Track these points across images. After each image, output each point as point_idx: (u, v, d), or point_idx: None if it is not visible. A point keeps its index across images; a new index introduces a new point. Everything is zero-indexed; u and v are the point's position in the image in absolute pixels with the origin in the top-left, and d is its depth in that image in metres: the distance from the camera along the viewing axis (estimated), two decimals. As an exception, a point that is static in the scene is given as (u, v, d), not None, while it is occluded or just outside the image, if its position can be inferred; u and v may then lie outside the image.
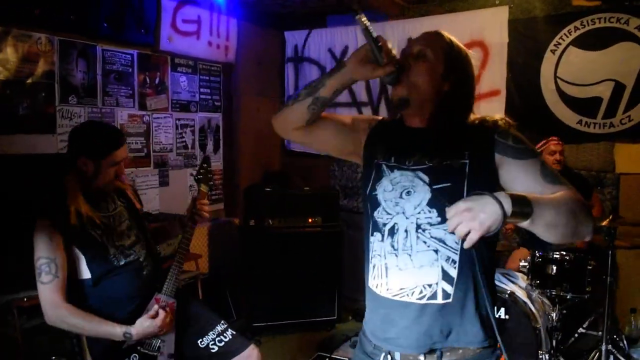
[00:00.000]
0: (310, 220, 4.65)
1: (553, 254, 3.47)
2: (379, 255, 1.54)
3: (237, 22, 4.94)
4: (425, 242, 1.46)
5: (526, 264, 3.54)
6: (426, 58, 1.51)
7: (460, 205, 1.20)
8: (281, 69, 5.51)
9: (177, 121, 4.51)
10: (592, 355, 3.44)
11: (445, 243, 1.45)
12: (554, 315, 3.45)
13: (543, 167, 1.45)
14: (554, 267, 3.43)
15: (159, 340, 2.33)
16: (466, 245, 1.20)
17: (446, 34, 1.58)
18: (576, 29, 4.20)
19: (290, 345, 4.26)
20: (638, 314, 4.07)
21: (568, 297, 3.42)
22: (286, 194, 4.69)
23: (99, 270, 2.25)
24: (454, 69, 1.53)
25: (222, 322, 2.58)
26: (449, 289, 1.44)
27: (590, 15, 4.13)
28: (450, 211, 1.21)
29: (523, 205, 1.24)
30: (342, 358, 3.83)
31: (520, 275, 3.62)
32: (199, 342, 2.49)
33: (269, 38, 5.42)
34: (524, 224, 1.27)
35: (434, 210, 1.46)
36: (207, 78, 4.80)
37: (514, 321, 3.31)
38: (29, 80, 3.36)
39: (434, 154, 1.50)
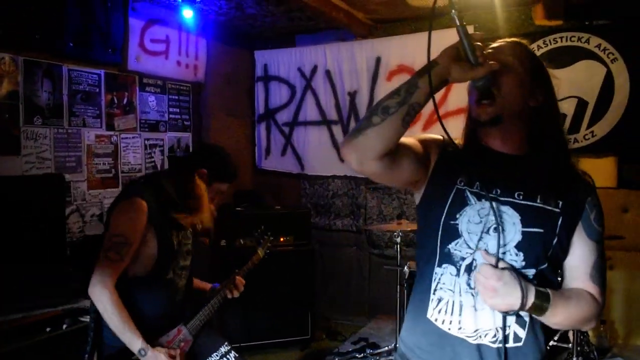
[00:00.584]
0: (282, 239, 4.62)
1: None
2: (450, 290, 1.43)
3: (206, 41, 4.94)
4: None
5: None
6: (514, 68, 1.39)
7: (491, 282, 1.27)
8: (251, 88, 5.52)
9: (145, 141, 4.45)
10: (563, 367, 3.48)
11: None
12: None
13: (599, 259, 1.42)
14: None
15: None
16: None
17: (526, 44, 1.49)
18: (539, 47, 4.32)
19: (265, 367, 4.20)
20: (607, 325, 4.15)
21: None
22: (257, 214, 4.67)
23: (156, 271, 2.28)
24: (539, 83, 1.42)
25: (226, 343, 2.59)
26: (521, 333, 1.39)
27: (553, 35, 4.27)
28: (480, 278, 1.30)
29: (543, 301, 1.29)
30: (316, 378, 3.79)
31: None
32: None
33: (238, 57, 5.42)
34: (534, 313, 1.33)
35: (521, 254, 1.36)
36: (176, 97, 4.76)
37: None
38: (-8, 101, 3.28)
39: (525, 190, 1.40)
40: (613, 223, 4.09)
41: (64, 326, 3.13)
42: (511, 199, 1.39)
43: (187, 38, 4.71)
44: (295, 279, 4.52)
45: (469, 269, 1.39)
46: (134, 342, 2.16)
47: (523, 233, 1.36)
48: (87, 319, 3.06)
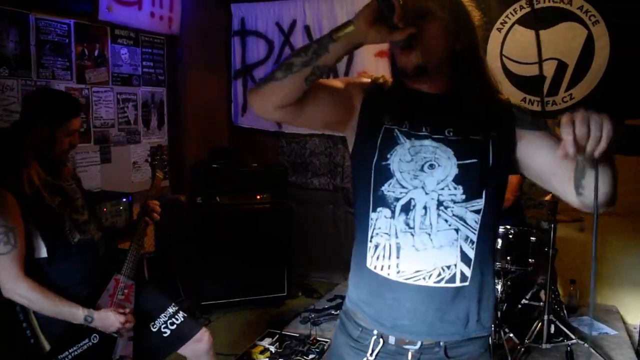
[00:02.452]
0: (258, 197, 4.59)
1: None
2: (386, 233, 1.39)
3: (181, -8, 4.75)
4: (446, 221, 1.35)
5: (472, 238, 3.61)
6: (436, 16, 1.33)
7: (583, 112, 1.07)
8: (227, 42, 5.35)
9: (118, 95, 4.31)
10: (534, 324, 3.57)
11: (465, 222, 1.35)
12: (499, 287, 3.56)
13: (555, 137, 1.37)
14: (499, 241, 3.52)
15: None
16: (597, 153, 1.06)
17: None
18: (522, 7, 4.27)
19: (240, 323, 4.23)
20: (577, 284, 4.27)
21: (512, 269, 3.52)
22: (234, 171, 4.61)
23: (54, 244, 2.17)
24: (464, 25, 1.38)
25: (173, 304, 2.53)
26: (467, 271, 1.36)
27: (536, -5, 4.21)
28: (578, 117, 1.06)
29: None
30: (292, 334, 3.83)
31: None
32: (150, 325, 2.44)
33: (214, 10, 5.23)
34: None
35: (460, 187, 1.34)
36: (150, 51, 4.60)
37: (461, 294, 3.39)
38: (-46, 50, 3.12)
39: (456, 125, 1.38)
40: (586, 185, 4.16)
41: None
42: (442, 136, 1.38)
43: (161, -12, 4.52)
44: (271, 237, 4.52)
45: (406, 208, 1.36)
46: (75, 313, 2.12)
47: (459, 166, 1.35)
48: None
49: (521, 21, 4.28)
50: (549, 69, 4.25)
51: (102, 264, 2.34)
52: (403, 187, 1.37)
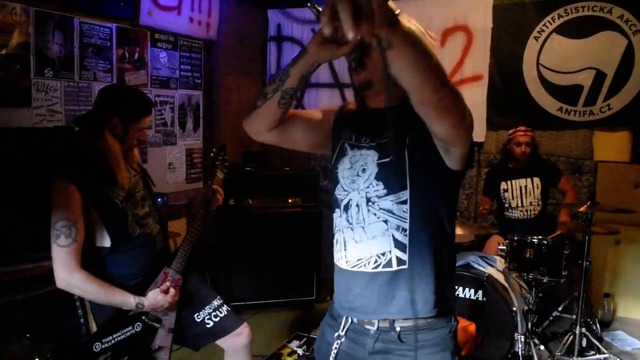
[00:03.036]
0: (290, 200, 4.63)
1: (531, 239, 3.52)
2: (339, 230, 1.63)
3: (219, -2, 4.84)
4: (375, 214, 1.54)
5: (504, 247, 3.58)
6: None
7: None
8: (263, 48, 5.43)
9: (156, 98, 4.41)
10: (566, 337, 3.51)
11: (393, 213, 1.52)
12: (530, 298, 3.52)
13: None
14: (532, 251, 3.48)
15: (162, 313, 2.36)
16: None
17: (404, 15, 1.44)
18: (560, 16, 4.22)
19: (269, 325, 4.26)
20: (611, 298, 4.18)
21: (544, 280, 3.47)
22: (266, 174, 4.67)
23: (117, 236, 2.25)
24: None
25: (218, 297, 2.62)
26: (403, 256, 1.52)
27: (574, 3, 4.17)
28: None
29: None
30: (320, 338, 3.84)
31: (498, 258, 3.67)
32: (195, 316, 2.51)
33: (251, 16, 5.32)
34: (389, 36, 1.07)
35: (380, 183, 1.53)
36: (188, 55, 4.70)
37: (491, 303, 3.36)
38: (3, 52, 3.24)
39: (385, 133, 1.55)
40: (624, 198, 4.07)
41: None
42: (375, 143, 1.57)
43: (200, -6, 4.62)
44: (301, 240, 4.55)
45: (347, 207, 1.59)
46: (127, 301, 2.20)
47: (378, 165, 1.54)
48: None
49: (559, 30, 4.23)
50: (587, 79, 4.19)
51: (159, 257, 2.42)
52: (345, 190, 1.60)
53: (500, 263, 3.62)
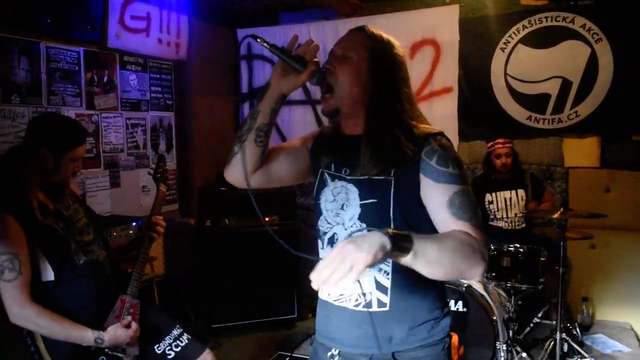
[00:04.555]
0: (267, 219, 4.60)
1: (507, 247, 3.55)
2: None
3: (187, 18, 4.82)
4: None
5: (482, 257, 3.59)
6: (348, 58, 1.47)
7: (340, 243, 1.16)
8: (234, 67, 5.43)
9: (127, 120, 4.36)
10: (547, 343, 3.54)
11: None
12: (509, 306, 3.54)
13: (454, 196, 1.39)
14: (508, 260, 3.50)
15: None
16: (353, 279, 1.13)
17: (370, 28, 1.53)
18: (524, 27, 4.32)
19: (251, 346, 4.20)
20: (589, 302, 4.23)
21: (523, 288, 3.50)
22: (241, 194, 4.57)
23: (61, 266, 2.17)
24: (378, 65, 1.47)
25: (178, 326, 2.54)
26: (384, 298, 1.48)
27: (538, 14, 4.27)
28: (329, 256, 1.14)
29: (404, 240, 1.19)
30: (303, 356, 3.80)
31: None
32: (155, 347, 2.45)
33: (220, 35, 5.32)
34: (407, 259, 1.21)
35: (363, 225, 1.48)
36: (158, 76, 4.67)
37: (472, 314, 3.36)
38: (-32, 79, 3.19)
39: (365, 165, 1.47)
40: (596, 202, 4.15)
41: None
42: (355, 177, 1.51)
43: (168, 15, 4.60)
44: (280, 258, 4.51)
45: (331, 241, 1.54)
46: (84, 336, 2.13)
47: (361, 206, 1.48)
48: None
49: (524, 40, 4.33)
50: (554, 87, 4.28)
51: (109, 283, 2.34)
52: (329, 223, 1.55)
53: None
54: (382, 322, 1.48)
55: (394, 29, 4.53)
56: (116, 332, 2.18)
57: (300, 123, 5.15)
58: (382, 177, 1.45)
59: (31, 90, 3.56)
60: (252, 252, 4.44)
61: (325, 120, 5.29)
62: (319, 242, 1.59)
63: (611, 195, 4.30)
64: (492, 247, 3.57)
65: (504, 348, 3.33)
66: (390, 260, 1.41)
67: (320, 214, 1.57)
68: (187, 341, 2.51)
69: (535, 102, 4.35)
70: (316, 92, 4.97)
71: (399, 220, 1.44)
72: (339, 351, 1.57)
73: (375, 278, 1.48)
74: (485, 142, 4.32)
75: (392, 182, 1.44)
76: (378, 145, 1.46)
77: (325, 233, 1.56)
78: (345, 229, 1.50)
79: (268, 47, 1.42)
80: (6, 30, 3.37)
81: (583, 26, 4.13)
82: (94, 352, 2.20)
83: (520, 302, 3.65)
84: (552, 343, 3.51)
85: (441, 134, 1.48)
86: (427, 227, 1.44)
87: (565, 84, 4.24)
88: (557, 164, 4.45)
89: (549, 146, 4.44)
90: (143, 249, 2.48)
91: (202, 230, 4.39)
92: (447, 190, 1.39)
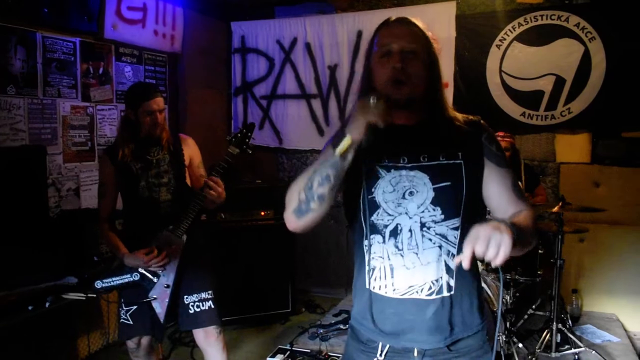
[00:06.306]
0: (262, 213, 4.60)
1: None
2: (380, 257, 1.53)
3: (183, 11, 4.78)
4: (430, 240, 1.49)
5: (481, 250, 3.66)
6: (415, 53, 1.48)
7: (475, 229, 1.25)
8: (228, 60, 5.39)
9: (122, 113, 4.29)
10: (544, 334, 3.62)
11: (447, 239, 1.49)
12: (507, 298, 3.61)
13: (514, 179, 1.55)
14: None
15: (160, 269, 2.74)
16: (503, 257, 1.22)
17: (415, 20, 1.56)
18: (520, 25, 4.39)
19: (246, 340, 4.21)
20: (579, 294, 4.34)
21: (521, 280, 3.58)
22: (238, 188, 4.60)
23: (127, 196, 2.84)
24: (432, 60, 1.52)
25: (210, 292, 2.85)
26: (451, 282, 1.50)
27: (533, 12, 4.34)
28: (471, 235, 1.25)
29: (512, 229, 1.27)
30: (303, 350, 3.81)
31: (474, 261, 3.75)
32: (184, 297, 2.81)
33: (215, 28, 5.28)
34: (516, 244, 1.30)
35: (438, 208, 1.49)
36: (153, 68, 4.61)
37: (473, 306, 3.42)
38: (-36, 69, 3.10)
39: (428, 152, 1.50)
40: (586, 197, 4.26)
41: (47, 304, 3.05)
42: (418, 163, 1.51)
43: (164, 7, 4.54)
44: (275, 253, 4.52)
45: (394, 233, 1.51)
46: (117, 251, 2.75)
47: (434, 190, 1.49)
48: (70, 296, 3.05)
49: (520, 38, 4.40)
50: (548, 84, 4.36)
51: (163, 222, 2.75)
52: (389, 214, 1.52)
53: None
54: (450, 306, 1.50)
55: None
56: (135, 257, 2.68)
57: (294, 117, 5.16)
58: (451, 161, 1.50)
59: (27, 81, 3.48)
60: (247, 247, 4.43)
61: (320, 116, 5.28)
62: (376, 236, 1.53)
63: (600, 190, 4.42)
64: (492, 241, 3.63)
65: (504, 339, 3.41)
66: (456, 243, 1.49)
67: (377, 207, 1.52)
68: (207, 308, 2.82)
69: (530, 99, 4.43)
70: (311, 87, 4.98)
71: (470, 201, 1.50)
72: (386, 353, 1.55)
73: (445, 262, 1.49)
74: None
75: (462, 164, 1.50)
76: (443, 131, 1.51)
77: (386, 226, 1.52)
78: (410, 217, 1.49)
79: (373, 103, 1.38)
80: (3, 19, 3.29)
81: (577, 25, 4.22)
82: (131, 268, 2.73)
83: (517, 294, 3.73)
84: (548, 333, 3.60)
85: (480, 117, 1.60)
86: (482, 212, 1.58)
87: (559, 81, 4.33)
88: (550, 160, 4.55)
89: (542, 142, 4.54)
90: (197, 196, 2.74)
91: (198, 224, 4.35)
92: (509, 174, 1.54)
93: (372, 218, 1.53)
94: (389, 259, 1.52)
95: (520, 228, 1.32)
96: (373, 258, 1.54)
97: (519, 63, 4.43)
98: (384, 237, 1.52)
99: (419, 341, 1.53)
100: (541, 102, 4.40)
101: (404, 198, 1.50)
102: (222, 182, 2.74)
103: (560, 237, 3.54)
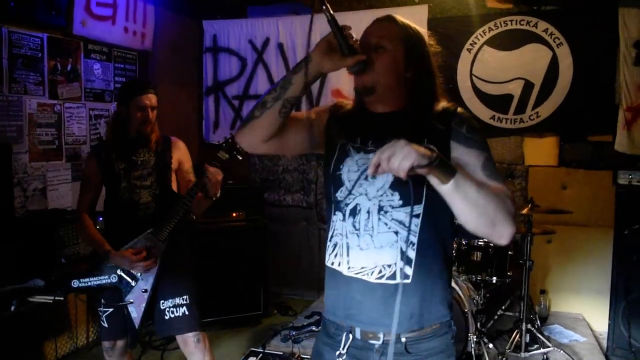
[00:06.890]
0: (234, 214, 4.56)
1: (477, 242, 3.67)
2: (340, 234, 1.57)
3: (154, 8, 4.69)
4: (386, 224, 1.50)
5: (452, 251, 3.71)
6: (385, 49, 1.52)
7: (386, 151, 1.24)
8: (199, 59, 5.32)
9: (90, 111, 4.20)
10: (514, 334, 3.69)
11: (405, 225, 1.48)
12: (478, 298, 3.66)
13: (487, 161, 1.47)
14: (479, 254, 3.63)
15: (139, 272, 2.69)
16: (402, 174, 1.22)
17: (399, 18, 1.59)
18: (490, 29, 4.46)
19: (218, 342, 4.15)
20: (547, 294, 4.43)
21: (493, 281, 3.63)
22: (209, 188, 4.55)
23: (109, 195, 2.80)
24: (413, 55, 1.54)
25: (186, 297, 2.78)
26: (408, 271, 1.49)
27: (503, 17, 4.42)
28: (382, 148, 1.25)
29: (448, 166, 1.28)
30: (275, 352, 3.79)
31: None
32: (160, 302, 2.74)
33: (186, 27, 5.21)
34: (447, 188, 1.28)
35: (396, 194, 1.50)
36: (123, 66, 4.52)
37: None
38: None
39: (394, 138, 1.47)
40: (553, 199, 4.35)
41: (12, 307, 2.96)
42: None
43: (134, 3, 4.45)
44: (247, 254, 4.48)
45: (354, 212, 1.54)
46: (100, 249, 2.69)
47: (394, 175, 1.45)
48: (36, 299, 2.99)
49: (490, 42, 4.47)
50: (517, 88, 4.44)
51: (142, 224, 2.71)
52: (351, 193, 1.56)
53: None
54: (405, 296, 1.45)
55: (364, 26, 4.56)
56: (122, 256, 2.62)
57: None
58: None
59: (-8, 77, 3.37)
60: (219, 248, 4.39)
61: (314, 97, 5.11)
62: (339, 213, 1.58)
63: (567, 192, 4.52)
64: (464, 242, 3.69)
65: (474, 339, 3.45)
66: (417, 231, 1.48)
67: (341, 184, 1.57)
68: (181, 314, 2.74)
69: (499, 102, 4.50)
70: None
71: (434, 189, 1.44)
72: (348, 347, 1.56)
73: (401, 249, 1.48)
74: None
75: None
76: (415, 119, 1.52)
77: (347, 204, 1.56)
78: (369, 199, 1.52)
79: (329, 17, 1.42)
80: (-32, 13, 3.18)
81: (545, 30, 4.31)
82: (109, 269, 2.70)
83: (488, 295, 3.79)
84: (517, 334, 3.66)
85: (458, 106, 1.58)
86: None
87: (528, 86, 4.41)
88: (518, 163, 4.63)
89: (511, 145, 4.62)
90: (182, 200, 2.71)
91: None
92: (480, 155, 1.47)
93: (337, 194, 1.58)
94: (347, 237, 1.55)
95: (465, 177, 1.30)
96: (335, 234, 1.59)
97: (489, 67, 4.50)
98: (344, 215, 1.56)
99: (364, 322, 1.54)
100: (510, 106, 4.48)
101: (366, 179, 1.53)
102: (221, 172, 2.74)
103: (529, 238, 3.61)
